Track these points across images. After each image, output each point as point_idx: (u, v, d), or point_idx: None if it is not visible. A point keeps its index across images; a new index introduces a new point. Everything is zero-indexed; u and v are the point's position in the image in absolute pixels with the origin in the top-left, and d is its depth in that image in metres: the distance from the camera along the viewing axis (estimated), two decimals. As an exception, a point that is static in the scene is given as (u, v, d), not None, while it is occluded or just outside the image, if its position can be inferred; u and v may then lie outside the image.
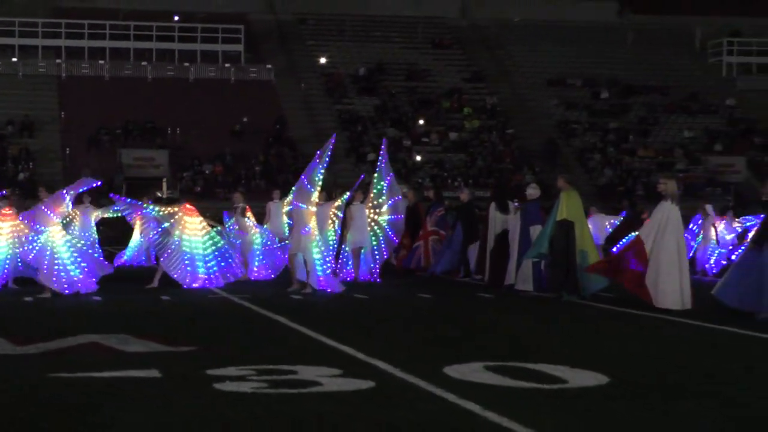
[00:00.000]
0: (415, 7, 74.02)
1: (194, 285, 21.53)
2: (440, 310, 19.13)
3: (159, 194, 46.43)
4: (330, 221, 22.67)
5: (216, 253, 21.94)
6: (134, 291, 21.16)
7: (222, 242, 22.06)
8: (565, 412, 9.57)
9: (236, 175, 56.58)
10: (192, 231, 21.70)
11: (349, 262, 23.88)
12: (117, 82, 63.03)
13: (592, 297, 20.00)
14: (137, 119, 60.25)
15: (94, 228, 28.11)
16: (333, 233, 22.82)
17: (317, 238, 20.95)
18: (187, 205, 21.98)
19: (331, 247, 22.29)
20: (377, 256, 24.13)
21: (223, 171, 57.59)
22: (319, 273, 20.99)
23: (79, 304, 18.84)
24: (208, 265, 21.83)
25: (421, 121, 64.55)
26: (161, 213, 21.86)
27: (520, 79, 70.48)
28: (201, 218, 22.00)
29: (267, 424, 8.96)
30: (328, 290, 20.86)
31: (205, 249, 21.80)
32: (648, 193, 52.20)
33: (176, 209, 21.93)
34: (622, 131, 66.03)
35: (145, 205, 22.91)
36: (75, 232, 25.79)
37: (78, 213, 27.06)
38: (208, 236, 21.93)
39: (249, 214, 24.70)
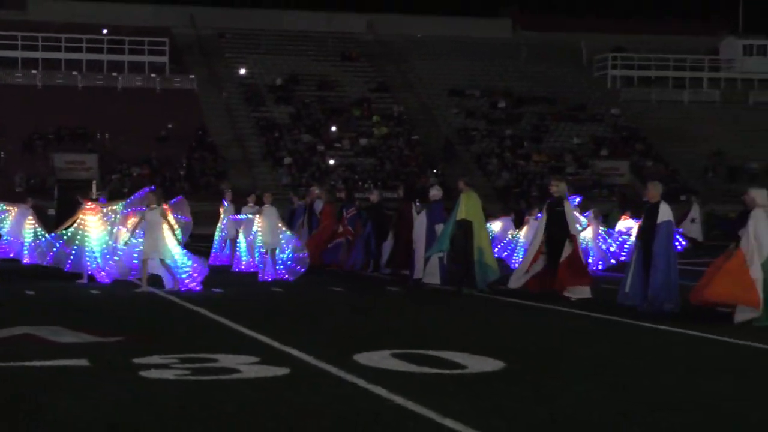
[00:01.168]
0: (325, 24, 74.54)
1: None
2: (351, 302, 19.07)
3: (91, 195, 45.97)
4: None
5: (105, 251, 21.22)
6: (69, 286, 20.81)
7: (110, 242, 21.29)
8: (464, 395, 9.57)
9: (162, 178, 56.19)
10: (91, 228, 21.13)
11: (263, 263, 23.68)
12: (50, 91, 62.38)
13: (491, 290, 20.09)
14: (69, 125, 59.59)
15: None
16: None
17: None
18: (87, 204, 21.49)
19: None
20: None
21: (150, 174, 57.12)
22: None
23: (14, 298, 18.53)
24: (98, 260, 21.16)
25: (333, 128, 64.67)
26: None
27: (423, 90, 70.78)
28: (99, 216, 21.43)
29: (190, 409, 8.85)
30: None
31: (100, 245, 21.13)
32: (542, 194, 52.61)
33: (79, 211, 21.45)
34: (517, 138, 66.55)
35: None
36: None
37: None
38: (105, 233, 21.33)
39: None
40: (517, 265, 22.89)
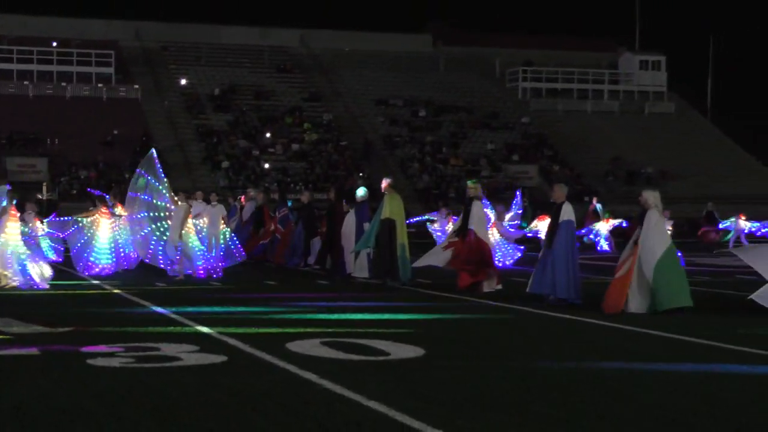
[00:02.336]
0: (261, 38, 74.56)
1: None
2: (284, 294, 19.01)
3: (39, 196, 45.46)
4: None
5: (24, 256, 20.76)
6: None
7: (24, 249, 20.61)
8: (387, 379, 9.58)
9: (108, 180, 55.69)
10: (10, 234, 20.54)
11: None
12: (3, 99, 61.62)
13: (412, 283, 20.16)
14: (21, 131, 59.00)
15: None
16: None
17: None
18: (12, 211, 20.86)
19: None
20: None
21: (97, 176, 56.62)
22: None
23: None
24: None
25: (268, 134, 64.56)
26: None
27: (351, 99, 70.85)
28: (18, 223, 20.83)
29: (134, 394, 8.78)
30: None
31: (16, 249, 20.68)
32: (458, 195, 52.93)
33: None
34: (436, 144, 66.79)
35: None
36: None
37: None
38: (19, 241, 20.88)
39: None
40: None
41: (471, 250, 18.89)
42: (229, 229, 23.68)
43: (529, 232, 28.78)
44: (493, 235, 24.94)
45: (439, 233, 28.02)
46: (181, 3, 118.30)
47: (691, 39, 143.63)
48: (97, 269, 22.11)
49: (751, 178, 67.50)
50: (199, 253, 21.71)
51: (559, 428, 7.59)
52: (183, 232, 21.19)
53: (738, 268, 23.41)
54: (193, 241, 21.59)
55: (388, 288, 19.75)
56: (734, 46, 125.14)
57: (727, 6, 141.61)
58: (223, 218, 23.85)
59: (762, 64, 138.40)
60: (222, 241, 23.11)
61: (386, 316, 15.14)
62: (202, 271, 21.62)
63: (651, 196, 15.98)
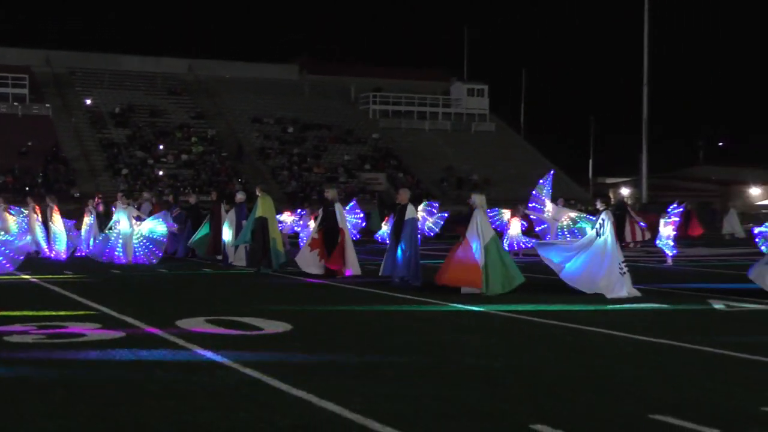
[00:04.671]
0: (155, 65, 74.12)
1: None
2: (175, 280, 18.75)
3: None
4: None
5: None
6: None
7: None
8: (261, 350, 9.57)
9: (23, 184, 54.33)
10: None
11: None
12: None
13: (283, 270, 20.09)
14: (-54, 143, 57.21)
15: None
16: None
17: None
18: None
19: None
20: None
21: (13, 181, 55.15)
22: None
23: None
24: None
25: (161, 146, 63.83)
26: None
27: (231, 118, 70.37)
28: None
29: (46, 364, 8.58)
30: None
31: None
32: (319, 198, 52.95)
33: None
34: (302, 155, 66.78)
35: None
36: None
37: None
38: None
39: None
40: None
41: (335, 242, 18.99)
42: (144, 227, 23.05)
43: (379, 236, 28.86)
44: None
45: (298, 228, 27.57)
46: (87, 34, 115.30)
47: (508, 72, 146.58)
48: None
49: (554, 183, 69.09)
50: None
51: (395, 386, 7.66)
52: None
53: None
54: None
55: (262, 274, 19.67)
56: (542, 79, 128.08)
57: (537, 47, 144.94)
58: (134, 217, 23.22)
59: (563, 93, 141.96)
60: (141, 238, 22.69)
61: (260, 297, 15.07)
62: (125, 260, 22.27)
63: (477, 199, 16.23)
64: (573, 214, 20.76)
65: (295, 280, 18.43)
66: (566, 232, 19.78)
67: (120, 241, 22.66)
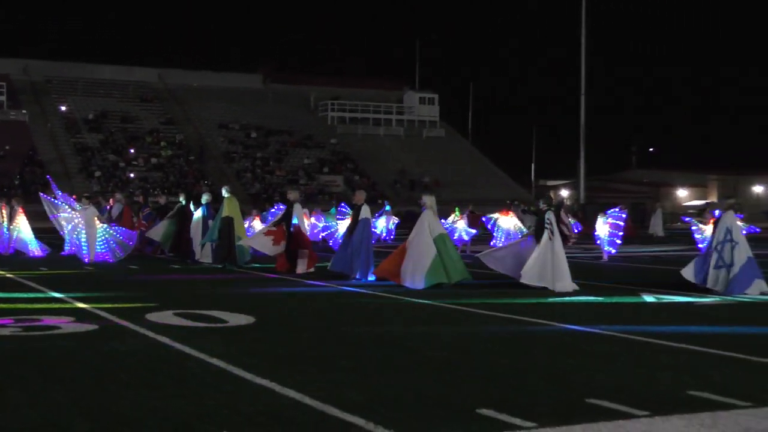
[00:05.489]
0: (127, 74, 73.65)
1: None
2: (143, 275, 18.59)
3: None
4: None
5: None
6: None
7: None
8: (226, 341, 9.51)
9: (0, 186, 53.49)
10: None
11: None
12: None
13: (247, 266, 20.01)
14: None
15: None
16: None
17: None
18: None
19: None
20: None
21: (-9, 182, 54.55)
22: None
23: None
24: None
25: (132, 150, 63.30)
26: None
27: (199, 124, 69.94)
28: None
29: (22, 355, 8.46)
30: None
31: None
32: (282, 199, 52.74)
33: None
34: (265, 159, 66.58)
35: None
36: None
37: None
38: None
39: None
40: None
41: (291, 241, 18.94)
42: (106, 225, 22.63)
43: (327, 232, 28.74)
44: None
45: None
46: (62, 44, 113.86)
47: (456, 82, 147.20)
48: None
49: (499, 185, 69.70)
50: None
51: (352, 375, 7.69)
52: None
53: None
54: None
55: (227, 270, 19.56)
56: (489, 89, 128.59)
57: (484, 59, 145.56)
58: (97, 218, 22.84)
59: (508, 101, 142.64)
60: (106, 236, 22.21)
61: (226, 291, 15.00)
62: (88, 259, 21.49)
63: (428, 200, 16.28)
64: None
65: (259, 276, 18.36)
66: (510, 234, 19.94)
67: (84, 239, 22.17)
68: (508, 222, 26.05)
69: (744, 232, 16.30)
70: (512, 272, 15.86)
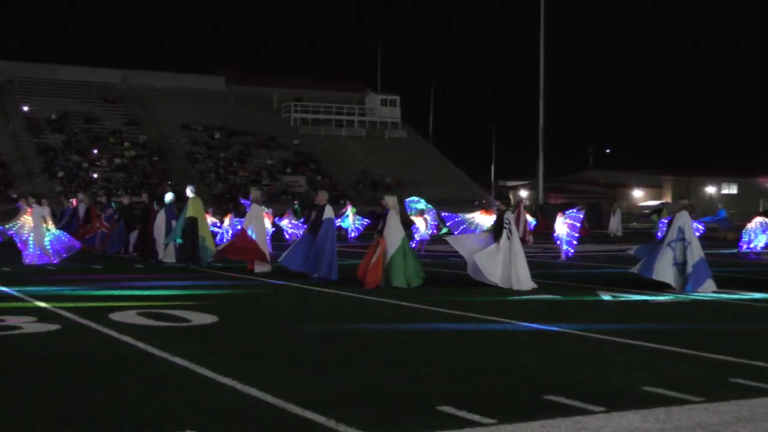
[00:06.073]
0: (90, 75, 73.07)
1: None
2: (106, 274, 18.38)
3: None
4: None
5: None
6: None
7: None
8: (189, 340, 9.45)
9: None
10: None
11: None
12: None
13: (211, 266, 19.89)
14: None
15: None
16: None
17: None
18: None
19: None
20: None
21: (-47, 183, 53.73)
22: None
23: None
24: None
25: (95, 151, 62.70)
26: None
27: (162, 124, 69.46)
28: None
29: (-17, 358, 8.30)
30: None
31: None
32: (245, 198, 52.57)
33: None
34: (228, 159, 66.26)
35: None
36: None
37: None
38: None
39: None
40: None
41: (244, 242, 18.93)
42: (53, 228, 21.88)
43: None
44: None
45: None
46: (24, 45, 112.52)
47: (418, 85, 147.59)
48: None
49: (460, 186, 69.99)
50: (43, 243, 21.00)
51: (313, 372, 7.67)
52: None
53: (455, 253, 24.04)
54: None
55: (191, 270, 19.41)
56: (449, 90, 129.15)
57: (444, 63, 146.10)
58: (44, 218, 22.00)
59: (468, 103, 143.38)
60: (51, 237, 21.53)
61: (188, 292, 14.90)
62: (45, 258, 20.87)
63: (390, 200, 16.29)
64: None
65: (222, 276, 18.26)
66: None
67: (31, 240, 21.60)
68: (488, 221, 26.15)
69: (697, 234, 16.56)
70: (468, 255, 15.80)
